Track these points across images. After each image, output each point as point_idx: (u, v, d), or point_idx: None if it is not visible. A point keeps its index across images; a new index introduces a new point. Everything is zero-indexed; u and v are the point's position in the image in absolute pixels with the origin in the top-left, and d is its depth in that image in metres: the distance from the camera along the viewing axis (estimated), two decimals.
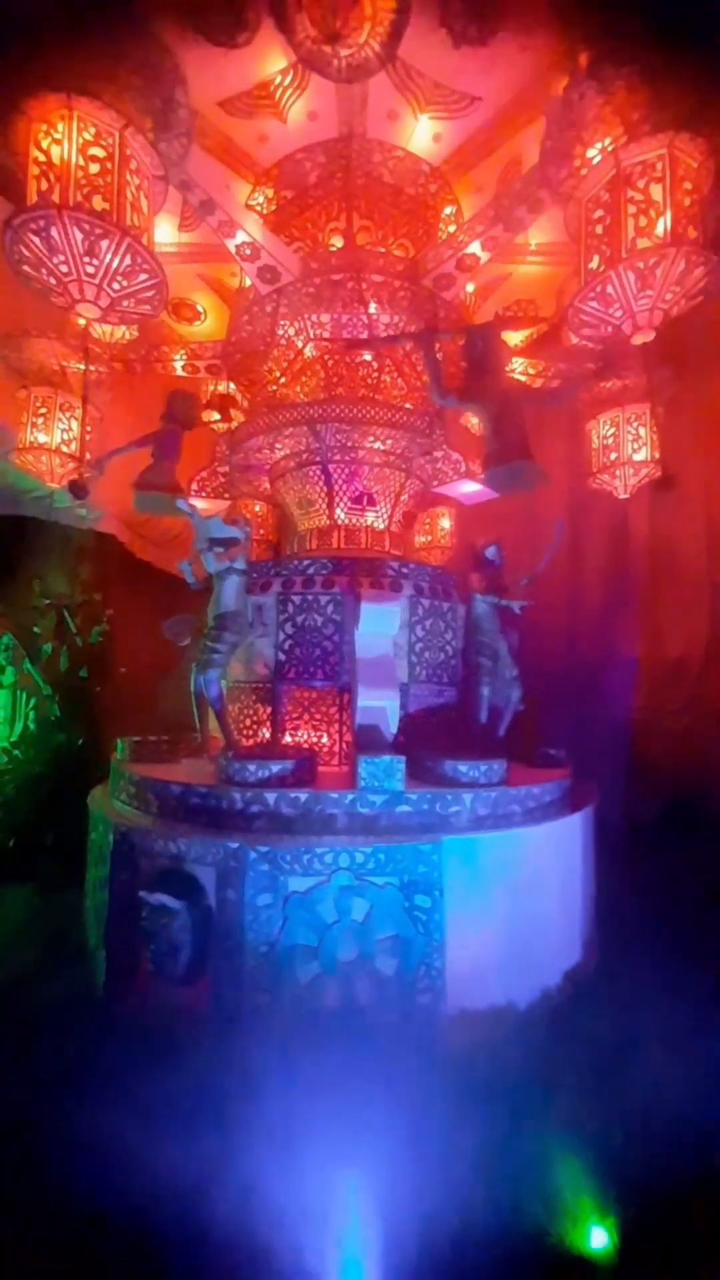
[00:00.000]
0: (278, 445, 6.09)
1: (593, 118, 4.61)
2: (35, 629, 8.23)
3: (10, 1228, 2.27)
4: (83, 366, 6.24)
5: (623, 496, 7.10)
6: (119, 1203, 2.24)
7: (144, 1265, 2.12)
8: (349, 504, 6.10)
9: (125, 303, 4.52)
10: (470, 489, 6.84)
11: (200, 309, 7.12)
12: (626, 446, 7.00)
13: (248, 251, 5.76)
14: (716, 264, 4.36)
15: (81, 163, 4.14)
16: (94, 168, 4.16)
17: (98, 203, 4.12)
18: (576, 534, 8.17)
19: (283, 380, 6.27)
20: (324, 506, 6.13)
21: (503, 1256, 2.17)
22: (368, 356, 6.04)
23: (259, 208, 6.15)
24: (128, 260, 4.22)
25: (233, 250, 5.77)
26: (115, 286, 4.33)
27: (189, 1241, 2.15)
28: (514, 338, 7.05)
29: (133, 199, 4.30)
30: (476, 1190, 2.35)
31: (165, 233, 6.10)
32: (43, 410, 6.53)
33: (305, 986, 3.38)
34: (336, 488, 6.05)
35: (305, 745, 5.04)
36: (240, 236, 5.65)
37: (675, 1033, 3.29)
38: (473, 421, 6.76)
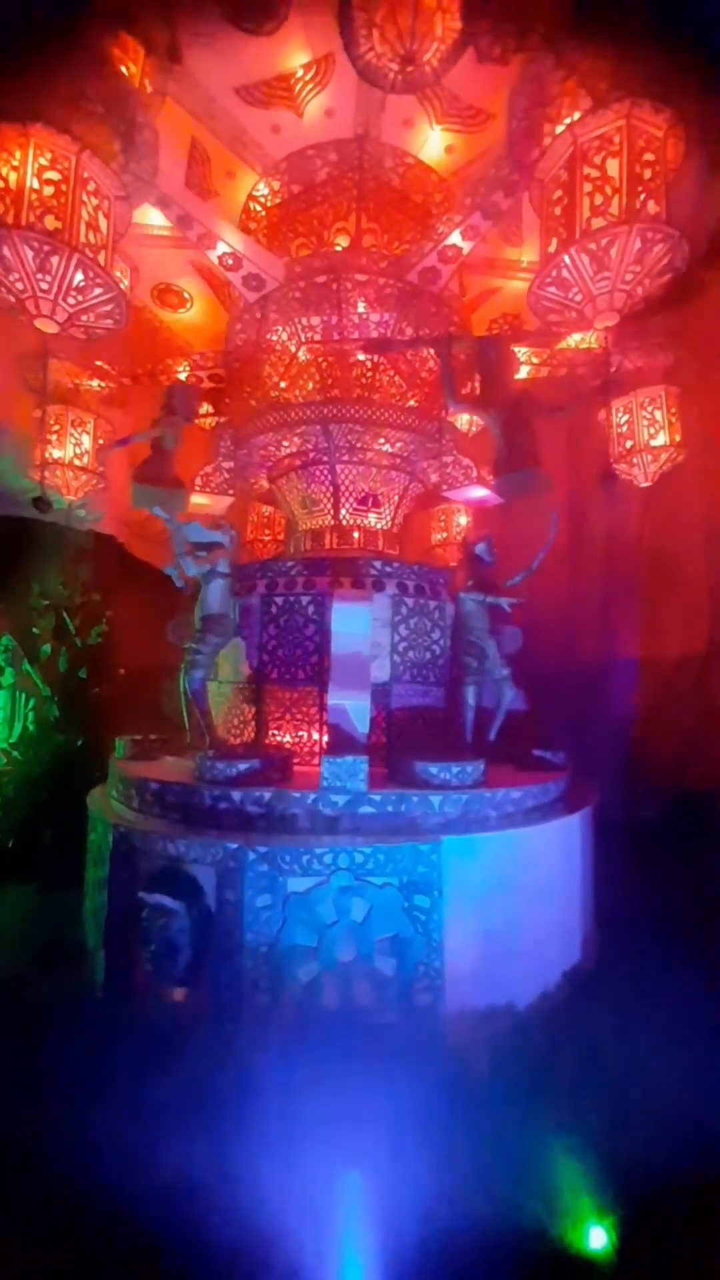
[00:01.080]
0: (285, 443, 6.06)
1: (556, 92, 4.46)
2: (34, 630, 8.23)
3: (9, 1227, 2.27)
4: (96, 384, 6.57)
5: (644, 485, 6.78)
6: (118, 1203, 2.24)
7: (143, 1265, 2.12)
8: (354, 505, 6.11)
9: (85, 317, 4.62)
10: (479, 494, 6.85)
11: (187, 295, 7.05)
12: (643, 432, 6.64)
13: (230, 262, 5.85)
14: (678, 239, 4.12)
15: (36, 186, 4.29)
16: (48, 190, 4.30)
17: (50, 222, 4.27)
18: (578, 531, 8.14)
19: (283, 385, 6.27)
20: (329, 506, 6.13)
21: (502, 1255, 2.17)
22: (362, 357, 6.04)
23: (264, 199, 6.16)
24: (79, 276, 4.35)
25: (215, 261, 5.86)
26: (70, 302, 4.44)
27: (188, 1241, 2.16)
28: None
29: (89, 218, 4.43)
30: (476, 1189, 2.35)
31: (156, 214, 5.99)
32: (56, 427, 6.82)
33: (304, 987, 3.38)
34: (343, 488, 6.06)
35: (285, 744, 5.08)
36: (221, 248, 5.75)
37: (674, 1033, 3.29)
38: (463, 418, 6.85)
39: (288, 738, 5.14)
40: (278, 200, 6.19)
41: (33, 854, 6.25)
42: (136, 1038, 3.21)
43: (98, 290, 4.46)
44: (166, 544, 6.12)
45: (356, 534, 6.15)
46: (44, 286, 4.32)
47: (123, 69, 4.61)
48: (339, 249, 6.07)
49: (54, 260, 4.24)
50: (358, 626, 4.52)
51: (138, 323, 6.89)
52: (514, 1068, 3.03)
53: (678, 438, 6.47)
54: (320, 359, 6.12)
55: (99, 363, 6.91)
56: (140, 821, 4.05)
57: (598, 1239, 2.24)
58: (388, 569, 5.18)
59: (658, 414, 6.57)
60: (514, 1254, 2.20)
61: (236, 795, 3.91)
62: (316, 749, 5.00)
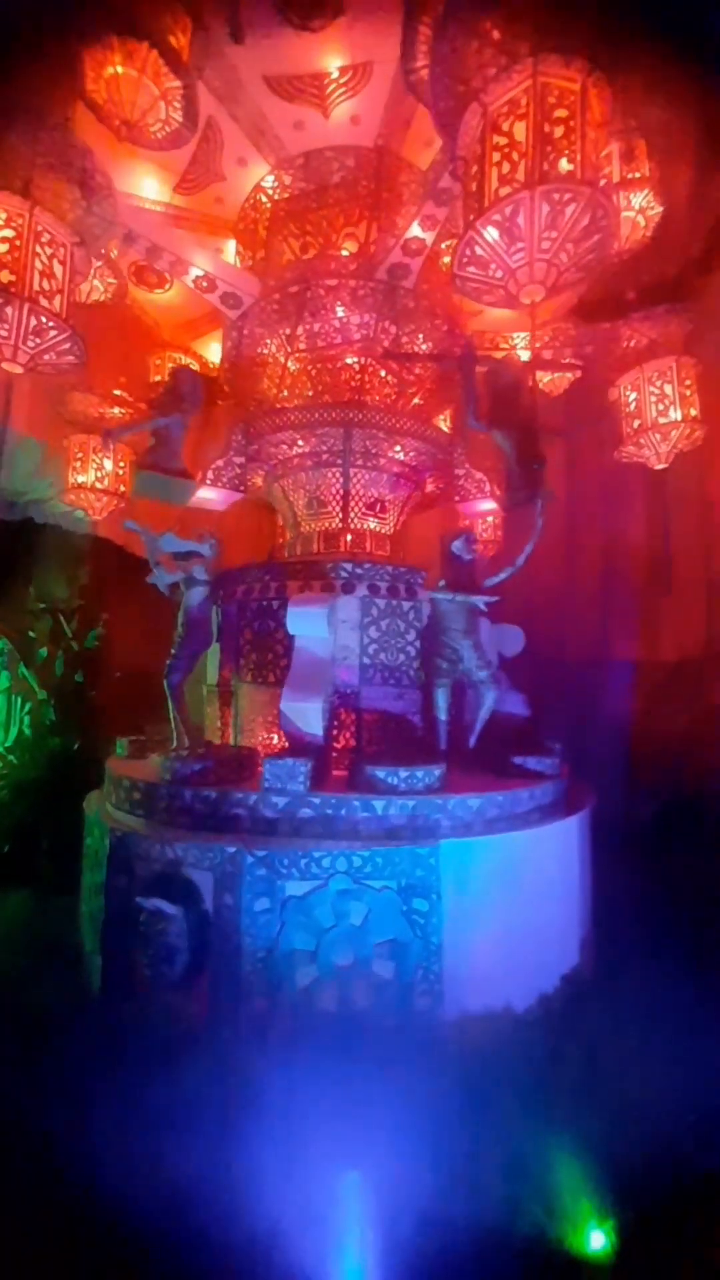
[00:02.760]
0: (300, 442, 6.03)
1: (473, 65, 4.21)
2: (30, 633, 8.20)
3: (8, 1231, 2.25)
4: (118, 411, 6.82)
5: (659, 467, 6.26)
6: (116, 1207, 2.23)
7: (142, 1269, 2.11)
8: (363, 509, 6.11)
9: (47, 356, 4.86)
10: (487, 507, 6.87)
11: (167, 275, 6.85)
12: (651, 409, 6.03)
13: (205, 284, 6.02)
14: (590, 195, 3.82)
15: None
16: (3, 248, 4.54)
17: (4, 276, 4.53)
18: (577, 528, 8.14)
19: (284, 395, 6.29)
20: (337, 509, 6.12)
21: (502, 1257, 2.17)
22: (351, 360, 6.04)
23: (272, 191, 6.19)
24: (33, 322, 4.60)
25: (190, 285, 6.03)
26: (30, 345, 4.66)
27: (188, 1246, 2.14)
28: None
29: (44, 267, 4.66)
30: (476, 1192, 2.34)
31: (151, 189, 6.05)
32: (79, 455, 7.26)
33: (303, 991, 3.37)
34: (353, 492, 6.07)
35: (251, 746, 5.14)
36: (194, 271, 5.93)
37: (673, 1035, 3.29)
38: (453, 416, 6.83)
39: (259, 738, 5.21)
40: (286, 195, 6.19)
41: (29, 858, 6.22)
42: (134, 1043, 3.20)
43: (53, 333, 4.72)
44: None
45: (350, 537, 6.14)
46: (3, 333, 4.57)
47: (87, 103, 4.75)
48: (345, 254, 6.10)
49: (9, 310, 4.51)
50: (314, 629, 4.59)
51: (122, 315, 6.92)
52: (513, 1070, 3.03)
53: (693, 412, 5.87)
54: (310, 366, 6.13)
55: (117, 392, 7.21)
56: (138, 825, 4.04)
57: (598, 1241, 2.24)
58: (358, 570, 5.10)
59: (668, 388, 5.97)
60: (514, 1256, 2.20)
61: (187, 794, 4.04)
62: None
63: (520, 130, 3.99)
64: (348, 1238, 2.19)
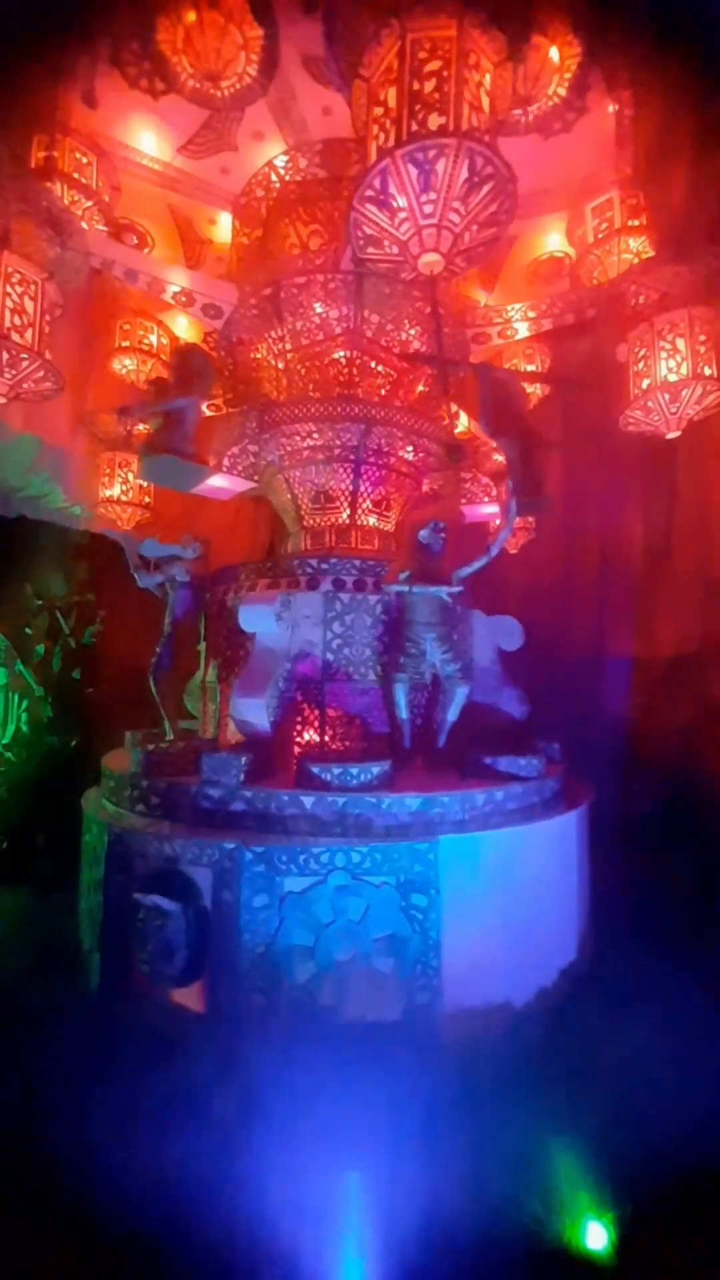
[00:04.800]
0: (315, 434, 5.90)
1: (358, 41, 4.05)
2: (27, 630, 8.19)
3: (6, 1227, 2.25)
4: (142, 428, 6.73)
5: (670, 435, 5.60)
6: (115, 1203, 2.23)
7: (142, 1264, 2.11)
8: (370, 506, 6.08)
9: (26, 384, 5.08)
10: (490, 511, 6.88)
11: (151, 237, 6.71)
12: (661, 367, 5.24)
13: (184, 299, 6.06)
14: (459, 145, 3.54)
15: None
16: None
17: None
18: (574, 523, 8.09)
19: (287, 390, 6.25)
20: (344, 505, 6.07)
21: (500, 1251, 2.17)
22: (339, 355, 6.01)
23: (284, 170, 6.11)
24: (6, 355, 4.81)
25: (169, 300, 6.05)
26: (9, 376, 4.92)
27: (187, 1241, 2.15)
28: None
29: (15, 305, 4.91)
30: (475, 1186, 2.35)
31: (150, 145, 5.90)
32: (107, 471, 7.56)
33: (302, 986, 3.37)
34: (361, 490, 6.04)
35: (225, 739, 5.29)
36: (172, 289, 5.98)
37: (671, 1029, 3.30)
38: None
39: (232, 732, 5.26)
40: (299, 178, 6.10)
41: (27, 855, 6.22)
42: (133, 1039, 3.20)
43: (27, 364, 4.97)
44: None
45: (356, 534, 6.12)
46: None
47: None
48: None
49: None
50: (263, 625, 4.70)
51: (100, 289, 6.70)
52: (511, 1064, 3.04)
53: (708, 370, 5.16)
54: (299, 365, 6.08)
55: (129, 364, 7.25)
56: (136, 822, 4.04)
57: (596, 1235, 2.24)
58: (323, 565, 5.06)
59: (680, 343, 5.22)
60: (512, 1250, 2.20)
61: (145, 783, 4.24)
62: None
63: (394, 96, 3.81)
64: (346, 1230, 2.19)
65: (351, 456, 5.91)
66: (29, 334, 4.97)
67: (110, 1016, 3.51)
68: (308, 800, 3.84)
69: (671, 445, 6.38)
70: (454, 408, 6.51)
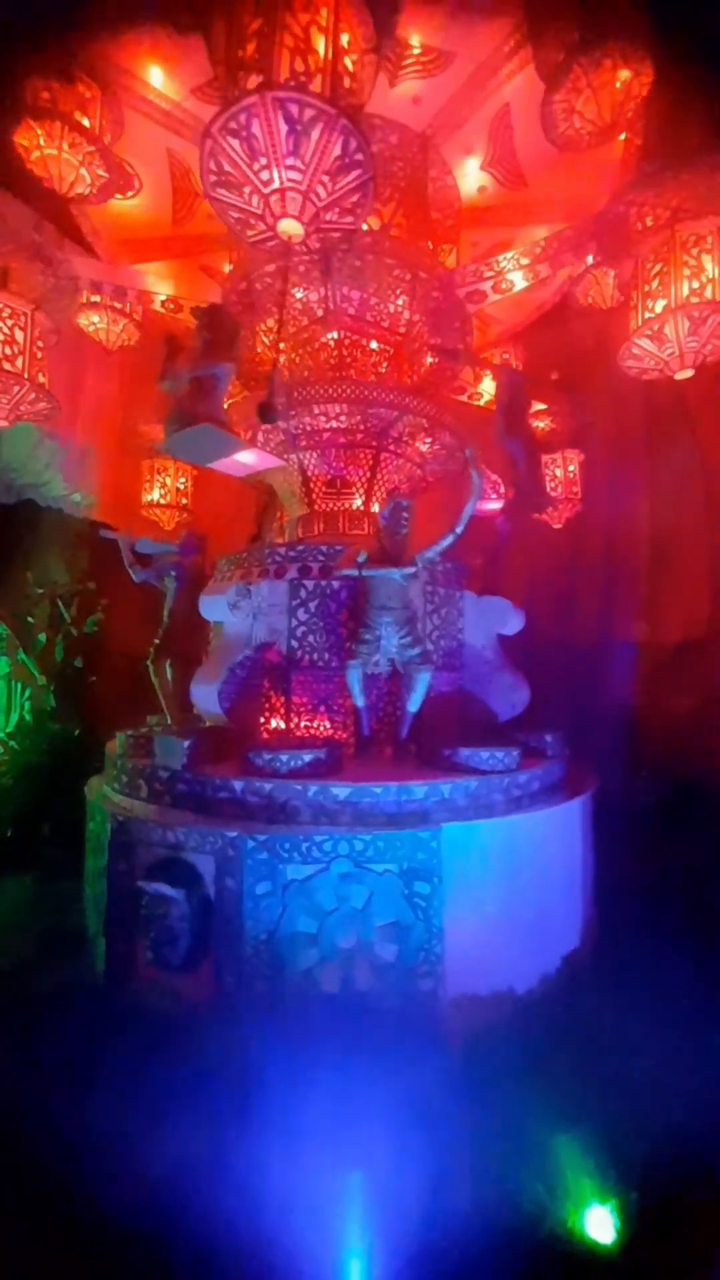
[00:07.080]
0: (342, 416, 5.78)
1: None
2: (30, 618, 8.19)
3: (8, 1219, 2.26)
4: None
5: (682, 374, 4.79)
6: (119, 1192, 2.24)
7: (145, 1255, 2.12)
8: (383, 494, 6.02)
9: (21, 407, 5.43)
10: (492, 507, 6.87)
11: (137, 182, 6.23)
12: (682, 287, 4.38)
13: (171, 306, 6.37)
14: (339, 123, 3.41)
15: None
16: None
17: None
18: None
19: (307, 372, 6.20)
20: (360, 491, 6.06)
21: (504, 1241, 2.18)
22: (330, 337, 5.96)
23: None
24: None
25: (158, 308, 6.37)
26: (4, 401, 5.29)
27: (190, 1231, 2.15)
28: None
29: (6, 335, 5.24)
30: (478, 1173, 2.35)
31: (158, 78, 5.41)
32: (147, 477, 8.03)
33: (305, 973, 3.38)
34: (378, 477, 6.03)
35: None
36: (159, 298, 6.41)
37: (674, 1017, 3.30)
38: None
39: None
40: None
41: (31, 844, 6.25)
42: (137, 1025, 3.21)
43: (18, 390, 5.27)
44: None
45: (366, 521, 6.05)
46: None
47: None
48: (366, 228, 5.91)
49: None
50: (220, 614, 4.98)
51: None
52: (515, 1052, 3.03)
53: None
54: (292, 355, 6.01)
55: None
56: (141, 810, 4.03)
57: (600, 1225, 2.24)
58: (290, 553, 5.05)
59: (706, 260, 4.35)
60: (515, 1240, 2.21)
61: (130, 764, 4.44)
62: None
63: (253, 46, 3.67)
64: (349, 1220, 2.19)
65: (374, 443, 5.87)
66: (19, 361, 5.30)
67: (115, 1002, 3.52)
68: (238, 785, 3.87)
69: (683, 426, 6.28)
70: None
